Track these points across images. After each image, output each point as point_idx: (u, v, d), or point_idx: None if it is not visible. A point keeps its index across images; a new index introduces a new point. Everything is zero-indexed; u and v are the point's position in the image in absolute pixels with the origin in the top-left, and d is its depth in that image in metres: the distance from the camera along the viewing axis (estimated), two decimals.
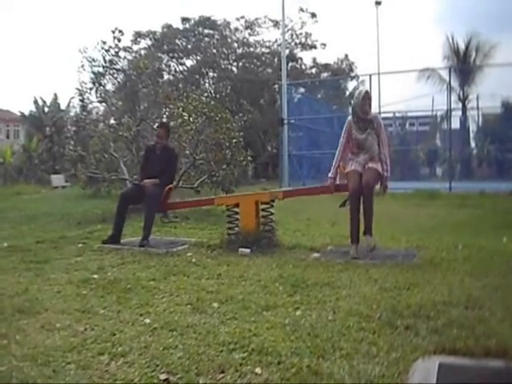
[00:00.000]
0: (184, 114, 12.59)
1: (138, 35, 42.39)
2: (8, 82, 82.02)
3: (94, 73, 14.89)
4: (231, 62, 44.65)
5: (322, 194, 8.42)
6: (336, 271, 5.80)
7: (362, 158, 6.95)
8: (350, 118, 7.23)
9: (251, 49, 44.55)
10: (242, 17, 44.01)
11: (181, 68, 44.49)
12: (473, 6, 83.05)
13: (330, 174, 7.23)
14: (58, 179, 28.97)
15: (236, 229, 7.64)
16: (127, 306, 4.56)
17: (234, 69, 44.43)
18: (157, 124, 9.51)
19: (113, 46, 14.83)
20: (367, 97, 7.11)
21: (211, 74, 44.21)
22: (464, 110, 36.89)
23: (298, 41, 44.42)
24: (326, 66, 45.74)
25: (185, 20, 43.62)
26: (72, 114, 27.30)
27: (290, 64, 38.87)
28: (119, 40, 14.88)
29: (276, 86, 35.05)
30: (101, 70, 14.98)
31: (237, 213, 7.71)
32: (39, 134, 37.98)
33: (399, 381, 2.97)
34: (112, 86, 16.04)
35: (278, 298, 4.75)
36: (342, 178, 7.23)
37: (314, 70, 45.77)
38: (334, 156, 7.23)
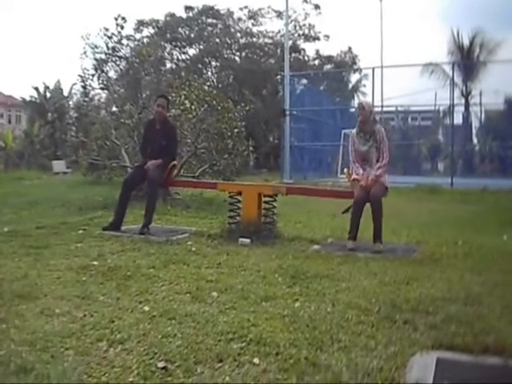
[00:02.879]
0: (186, 102, 12.55)
1: (141, 24, 42.32)
2: (11, 67, 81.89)
3: (96, 59, 14.85)
4: (234, 51, 44.57)
5: (327, 197, 8.44)
6: (336, 264, 5.80)
7: (369, 170, 7.00)
8: (353, 130, 7.31)
9: (254, 39, 44.47)
10: (246, 7, 44.02)
11: (183, 57, 44.45)
12: (477, 1, 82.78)
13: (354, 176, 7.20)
14: (59, 165, 28.94)
15: (237, 218, 7.64)
16: (126, 293, 4.56)
17: (237, 59, 44.36)
18: (159, 94, 9.33)
19: (116, 33, 14.78)
20: (361, 107, 7.28)
21: (214, 63, 44.18)
22: (467, 105, 36.88)
23: (301, 32, 44.34)
24: (329, 58, 45.70)
25: (188, 9, 43.54)
26: (74, 100, 27.34)
27: (292, 55, 38.78)
28: (122, 27, 14.82)
29: (278, 76, 35.01)
30: (103, 56, 14.93)
31: (238, 202, 7.70)
32: (41, 119, 37.95)
33: (397, 375, 2.97)
34: (114, 73, 16.01)
35: (278, 288, 4.75)
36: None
37: (316, 62, 45.75)
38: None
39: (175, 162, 8.39)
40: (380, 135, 7.06)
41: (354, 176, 7.07)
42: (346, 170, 7.47)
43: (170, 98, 9.93)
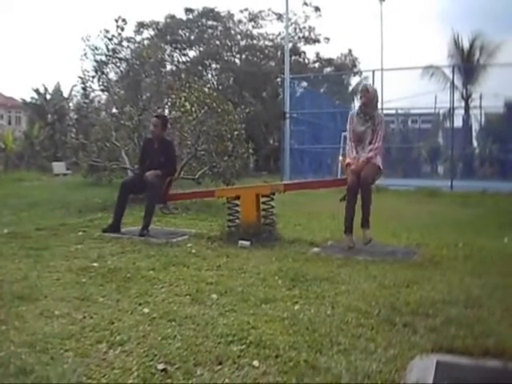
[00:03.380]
0: (186, 104, 12.55)
1: (141, 25, 42.25)
2: (11, 68, 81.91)
3: (96, 61, 14.84)
4: (234, 54, 44.52)
5: (322, 188, 8.42)
6: (335, 266, 5.80)
7: (361, 152, 6.99)
8: (353, 110, 7.30)
9: (254, 41, 44.40)
10: (246, 9, 43.90)
11: (184, 59, 44.37)
12: (477, 4, 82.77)
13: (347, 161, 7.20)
14: (59, 167, 28.92)
15: (236, 221, 7.64)
16: (126, 295, 4.56)
17: (237, 61, 44.31)
18: (155, 114, 9.41)
19: (116, 35, 14.78)
20: (364, 89, 7.28)
21: (214, 65, 44.10)
22: (467, 108, 36.87)
23: (301, 34, 44.26)
24: (329, 61, 45.64)
25: (188, 11, 43.49)
26: (74, 101, 27.33)
27: (293, 58, 38.70)
28: (122, 29, 14.81)
29: (279, 79, 35.02)
30: (103, 58, 14.92)
31: (237, 205, 7.70)
32: (41, 121, 37.93)
33: (396, 377, 2.97)
34: (114, 75, 16.00)
35: (277, 291, 4.75)
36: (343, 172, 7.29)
37: (317, 65, 45.67)
38: (339, 150, 7.37)
39: (172, 177, 8.39)
40: (379, 119, 7.06)
41: (348, 160, 7.06)
42: (341, 157, 7.46)
43: (169, 99, 9.93)
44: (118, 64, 15.53)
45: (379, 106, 8.45)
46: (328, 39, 44.76)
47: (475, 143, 36.77)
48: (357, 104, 41.19)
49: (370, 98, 7.09)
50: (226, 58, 43.58)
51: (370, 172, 6.83)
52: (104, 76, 15.03)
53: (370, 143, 6.99)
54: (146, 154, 8.43)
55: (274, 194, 7.68)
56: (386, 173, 7.18)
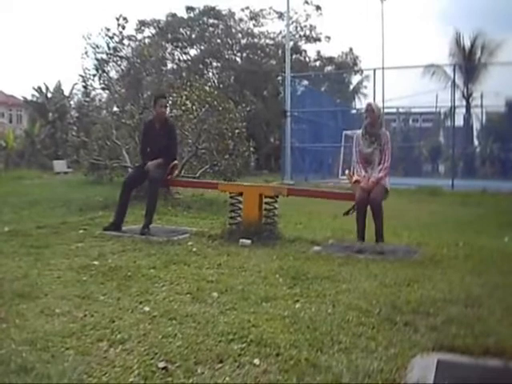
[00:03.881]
0: (187, 102, 12.56)
1: (142, 24, 42.23)
2: (12, 67, 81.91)
3: (97, 59, 14.84)
4: (235, 52, 44.48)
5: (327, 199, 8.43)
6: (336, 265, 5.80)
7: (370, 172, 7.03)
8: (359, 131, 7.35)
9: (255, 40, 44.37)
10: (247, 7, 43.88)
11: (184, 57, 44.32)
12: (479, 3, 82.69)
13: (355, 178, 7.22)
14: (60, 165, 28.95)
15: (238, 219, 7.63)
16: (127, 293, 4.56)
17: (238, 59, 44.27)
18: (154, 95, 9.28)
19: (117, 33, 14.78)
20: (370, 109, 7.30)
21: (215, 63, 44.08)
22: (468, 107, 36.83)
23: (302, 33, 44.23)
24: (330, 60, 45.61)
25: (189, 9, 43.45)
26: (75, 100, 27.35)
27: (293, 56, 38.63)
28: (123, 27, 14.82)
29: (280, 77, 34.98)
30: (104, 56, 14.93)
31: (239, 202, 7.69)
32: (42, 119, 37.96)
33: (397, 376, 2.97)
34: (115, 74, 16.01)
35: (278, 289, 4.75)
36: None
37: (318, 63, 45.65)
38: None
39: (176, 162, 8.37)
40: (385, 139, 7.10)
41: (356, 178, 7.09)
42: (347, 171, 7.50)
43: (170, 98, 9.98)
44: (119, 62, 15.55)
45: (380, 104, 8.42)
46: (329, 38, 44.75)
47: (476, 142, 36.79)
48: (358, 103, 41.37)
49: (375, 117, 7.14)
50: (226, 57, 43.54)
51: (379, 193, 6.89)
52: (105, 74, 15.04)
53: (379, 163, 7.02)
54: (147, 137, 8.33)
55: (277, 196, 7.68)
56: (388, 174, 7.18)
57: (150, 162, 7.89)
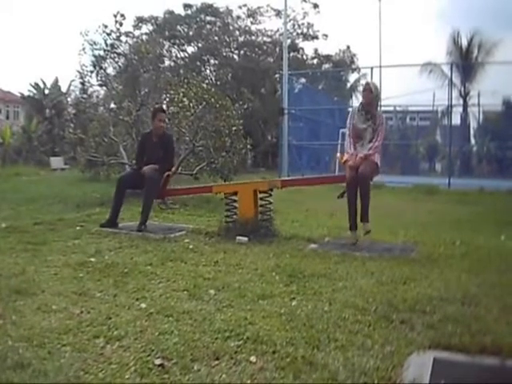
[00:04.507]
0: (184, 99, 12.54)
1: (140, 20, 42.19)
2: (9, 63, 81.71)
3: (95, 56, 14.87)
4: (232, 49, 44.47)
5: (320, 184, 8.42)
6: (333, 263, 5.80)
7: (359, 149, 6.99)
8: (355, 106, 7.30)
9: (253, 37, 44.35)
10: (245, 5, 43.85)
11: (182, 54, 44.29)
12: (476, 2, 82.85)
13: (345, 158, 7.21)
14: (57, 161, 28.91)
15: (234, 217, 7.63)
16: (124, 290, 4.57)
17: (236, 57, 44.26)
18: (153, 108, 9.26)
19: (114, 30, 14.78)
20: (367, 88, 7.24)
21: (212, 61, 44.05)
22: (465, 106, 36.86)
23: (299, 31, 44.22)
24: (328, 57, 45.63)
25: (187, 6, 43.38)
26: (72, 96, 27.33)
27: (291, 54, 38.68)
28: (121, 24, 14.83)
29: (277, 75, 34.94)
30: (102, 53, 14.94)
31: (235, 201, 7.69)
32: (39, 115, 37.91)
33: (393, 374, 2.97)
34: (113, 70, 16.01)
35: (275, 287, 4.75)
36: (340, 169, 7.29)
37: (315, 61, 45.67)
38: (337, 147, 7.35)
39: (170, 172, 8.36)
40: (380, 120, 7.06)
41: (345, 157, 7.06)
42: (338, 154, 7.46)
43: (167, 95, 9.95)
44: (117, 59, 15.54)
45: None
46: (326, 36, 44.77)
47: (473, 141, 36.81)
48: (355, 101, 41.34)
49: (372, 97, 7.11)
50: (224, 54, 43.51)
51: (367, 168, 6.83)
52: (102, 71, 15.05)
53: (370, 141, 7.00)
54: (143, 149, 8.35)
55: (271, 190, 7.67)
56: (384, 170, 7.18)
57: (146, 166, 7.90)
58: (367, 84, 7.54)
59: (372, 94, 7.11)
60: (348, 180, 6.86)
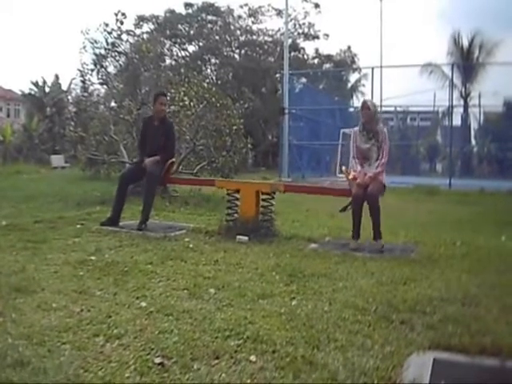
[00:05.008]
0: (185, 98, 12.54)
1: (141, 19, 42.30)
2: (10, 61, 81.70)
3: (95, 54, 14.82)
4: (233, 49, 44.55)
5: (324, 194, 8.43)
6: (333, 263, 5.80)
7: (367, 168, 7.01)
8: (356, 128, 7.31)
9: (254, 37, 44.44)
10: (246, 4, 44.03)
11: (183, 53, 44.40)
12: (477, 2, 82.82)
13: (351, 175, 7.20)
14: (57, 159, 28.93)
15: (235, 216, 7.63)
16: (124, 288, 4.56)
17: (236, 56, 44.34)
18: (155, 93, 9.24)
19: (115, 28, 14.76)
20: (365, 106, 7.22)
21: (213, 60, 44.14)
22: (466, 107, 36.88)
23: (300, 31, 44.32)
24: (329, 57, 45.71)
25: (188, 5, 43.49)
26: (73, 95, 27.32)
27: (292, 53, 38.74)
28: (122, 23, 14.79)
29: (278, 75, 35.01)
30: (103, 52, 14.90)
31: (237, 199, 7.69)
32: (40, 114, 37.90)
33: (393, 374, 2.97)
34: (114, 69, 15.97)
35: (275, 286, 4.75)
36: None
37: (316, 61, 45.75)
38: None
39: (173, 160, 8.36)
40: (382, 135, 7.06)
41: (352, 174, 7.07)
42: (344, 168, 7.48)
43: (168, 94, 9.96)
44: (118, 58, 15.51)
45: (378, 103, 8.39)
46: (327, 35, 44.91)
47: (474, 142, 36.85)
48: (355, 101, 41.37)
49: (371, 115, 7.10)
50: (225, 53, 43.60)
51: (376, 188, 6.85)
52: (103, 69, 15.03)
53: (377, 159, 7.01)
54: (146, 134, 8.31)
55: (274, 192, 7.67)
56: (385, 170, 7.16)
57: (147, 158, 7.88)
58: (364, 102, 7.51)
59: (371, 111, 7.11)
60: (354, 196, 6.87)
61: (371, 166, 7.02)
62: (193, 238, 7.17)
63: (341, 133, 28.91)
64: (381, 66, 31.21)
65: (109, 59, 15.22)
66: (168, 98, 13.91)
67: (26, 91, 41.41)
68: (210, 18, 43.49)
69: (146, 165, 7.81)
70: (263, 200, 7.62)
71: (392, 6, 70.18)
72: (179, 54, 44.19)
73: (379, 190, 6.94)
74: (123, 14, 14.76)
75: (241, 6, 44.19)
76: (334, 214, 9.05)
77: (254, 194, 7.52)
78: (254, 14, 44.06)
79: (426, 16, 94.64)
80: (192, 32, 43.27)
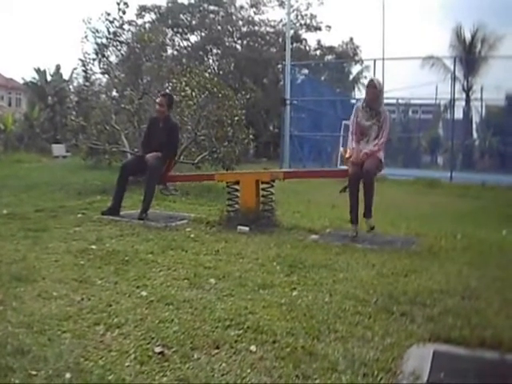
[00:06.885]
0: (187, 89, 12.51)
1: (143, 9, 42.11)
2: (12, 50, 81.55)
3: (97, 44, 14.78)
4: (235, 39, 44.35)
5: (322, 178, 8.40)
6: (334, 254, 5.80)
7: (364, 145, 6.95)
8: (359, 103, 7.25)
9: (256, 27, 44.23)
10: None
11: (185, 43, 44.20)
12: None
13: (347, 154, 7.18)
14: (58, 149, 28.86)
15: (236, 206, 7.63)
16: (124, 277, 4.57)
17: (238, 47, 44.16)
18: (161, 93, 9.27)
19: (117, 18, 14.71)
20: (372, 85, 7.14)
21: (215, 50, 43.95)
22: (468, 100, 36.81)
23: (302, 22, 44.05)
24: (331, 49, 45.49)
25: None
26: (75, 84, 27.26)
27: (294, 45, 38.54)
28: (124, 12, 14.76)
29: (280, 66, 34.95)
30: (104, 41, 14.86)
31: (237, 190, 7.69)
32: (41, 103, 37.80)
33: (393, 366, 2.98)
34: (115, 58, 15.93)
35: (275, 277, 4.75)
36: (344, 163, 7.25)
37: (318, 52, 45.53)
38: (339, 139, 7.29)
39: (173, 160, 8.38)
40: (384, 116, 7.00)
41: (348, 153, 7.03)
42: (342, 148, 7.44)
43: (170, 83, 9.90)
44: (119, 47, 15.48)
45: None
46: (329, 27, 44.59)
47: (475, 135, 36.81)
48: (357, 93, 41.26)
49: (376, 93, 7.04)
50: (227, 44, 43.41)
51: (372, 164, 6.79)
52: (105, 59, 15.00)
53: (375, 138, 6.95)
54: (151, 133, 8.37)
55: (273, 181, 7.66)
56: (386, 162, 7.13)
57: (149, 154, 7.91)
58: (371, 80, 7.47)
59: (376, 90, 7.05)
60: (350, 175, 6.83)
61: (368, 144, 6.95)
62: (194, 227, 7.17)
63: (342, 124, 28.84)
64: (383, 58, 31.05)
65: (110, 49, 15.19)
66: (169, 87, 13.96)
67: (28, 80, 41.34)
68: (211, 8, 43.29)
69: (148, 159, 7.82)
70: (263, 189, 7.62)
71: None
72: (181, 44, 44.03)
73: (375, 166, 6.87)
74: (125, 4, 14.73)
75: None
76: (336, 205, 9.06)
77: (253, 183, 7.52)
78: (256, 4, 43.84)
79: (429, 8, 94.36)
80: (194, 22, 43.09)
